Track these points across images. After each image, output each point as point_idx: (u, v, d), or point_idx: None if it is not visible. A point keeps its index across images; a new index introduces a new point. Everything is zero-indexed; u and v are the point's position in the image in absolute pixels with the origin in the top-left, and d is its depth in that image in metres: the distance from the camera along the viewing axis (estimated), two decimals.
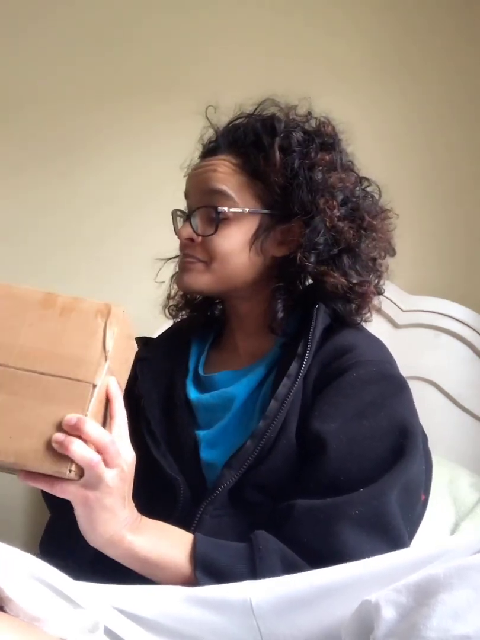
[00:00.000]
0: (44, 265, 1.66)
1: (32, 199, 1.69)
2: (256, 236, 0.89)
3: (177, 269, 0.98)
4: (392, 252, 0.97)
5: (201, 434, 0.90)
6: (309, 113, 0.95)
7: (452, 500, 1.32)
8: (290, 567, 0.71)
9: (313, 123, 0.94)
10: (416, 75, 1.70)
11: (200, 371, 0.97)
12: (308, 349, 0.85)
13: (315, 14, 1.72)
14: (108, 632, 0.60)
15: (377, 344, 0.93)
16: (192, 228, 0.91)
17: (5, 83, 1.68)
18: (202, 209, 0.90)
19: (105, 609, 0.61)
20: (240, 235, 0.89)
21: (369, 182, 0.97)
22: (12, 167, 1.69)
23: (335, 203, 0.88)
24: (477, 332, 1.52)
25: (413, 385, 1.55)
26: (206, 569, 0.71)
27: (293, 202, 0.88)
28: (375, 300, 0.96)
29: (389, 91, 1.70)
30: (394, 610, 0.50)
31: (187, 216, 0.94)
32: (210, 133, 0.99)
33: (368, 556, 0.69)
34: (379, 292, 0.96)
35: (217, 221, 0.88)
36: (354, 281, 0.89)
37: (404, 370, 1.54)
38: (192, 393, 0.95)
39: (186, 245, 0.92)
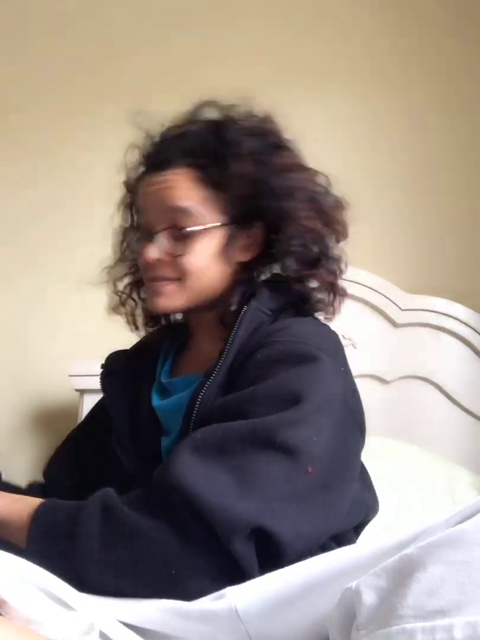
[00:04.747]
0: None
1: None
2: (224, 246, 0.89)
3: (146, 292, 0.95)
4: (345, 237, 0.94)
5: (164, 440, 0.89)
6: (251, 112, 0.93)
7: (451, 499, 1.31)
8: (107, 510, 0.69)
9: (255, 120, 0.92)
10: (414, 77, 1.70)
11: (163, 378, 0.96)
12: (227, 345, 0.84)
13: (312, 15, 1.71)
14: (103, 636, 0.60)
15: (305, 327, 0.88)
16: (158, 248, 0.88)
17: None
18: (168, 229, 0.88)
19: (100, 613, 0.61)
20: (209, 249, 0.88)
21: (318, 174, 0.94)
22: None
23: (298, 205, 0.88)
24: (477, 332, 1.52)
25: (412, 385, 1.57)
26: (39, 526, 0.70)
27: (256, 210, 0.88)
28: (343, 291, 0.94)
29: (387, 92, 1.70)
30: (374, 594, 0.51)
31: (149, 236, 0.90)
32: (148, 142, 0.94)
33: (200, 478, 0.68)
34: (337, 278, 0.93)
35: (185, 239, 0.87)
36: (317, 274, 0.89)
37: (403, 369, 1.55)
38: (156, 400, 0.93)
39: (153, 266, 0.89)
